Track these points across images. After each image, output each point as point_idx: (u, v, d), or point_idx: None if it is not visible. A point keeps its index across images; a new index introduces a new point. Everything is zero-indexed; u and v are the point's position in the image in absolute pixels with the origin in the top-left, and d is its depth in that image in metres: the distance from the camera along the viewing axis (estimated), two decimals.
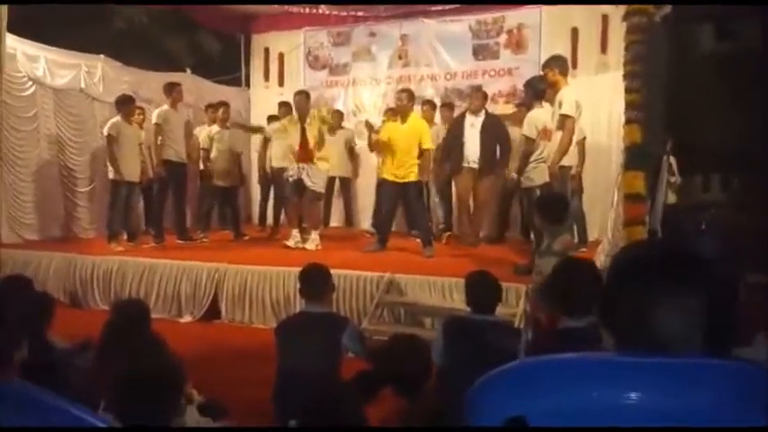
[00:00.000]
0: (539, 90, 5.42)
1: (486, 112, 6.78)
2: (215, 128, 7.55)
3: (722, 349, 0.94)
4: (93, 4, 7.93)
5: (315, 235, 6.66)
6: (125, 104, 6.69)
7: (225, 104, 7.70)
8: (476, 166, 6.67)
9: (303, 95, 6.64)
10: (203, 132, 7.62)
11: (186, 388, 2.66)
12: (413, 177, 6.24)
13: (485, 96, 7.02)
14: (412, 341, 2.42)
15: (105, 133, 6.62)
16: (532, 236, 5.34)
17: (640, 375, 0.87)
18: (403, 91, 6.52)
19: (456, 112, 7.56)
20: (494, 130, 6.68)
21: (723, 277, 0.99)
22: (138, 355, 2.62)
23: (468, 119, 6.75)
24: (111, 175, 6.68)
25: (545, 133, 5.23)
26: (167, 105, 6.91)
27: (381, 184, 6.71)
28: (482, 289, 3.15)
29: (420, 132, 6.30)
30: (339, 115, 8.30)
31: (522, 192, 5.75)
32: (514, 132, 6.56)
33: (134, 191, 6.94)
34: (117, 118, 6.66)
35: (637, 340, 0.92)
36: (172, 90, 6.95)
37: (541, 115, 5.32)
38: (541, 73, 5.43)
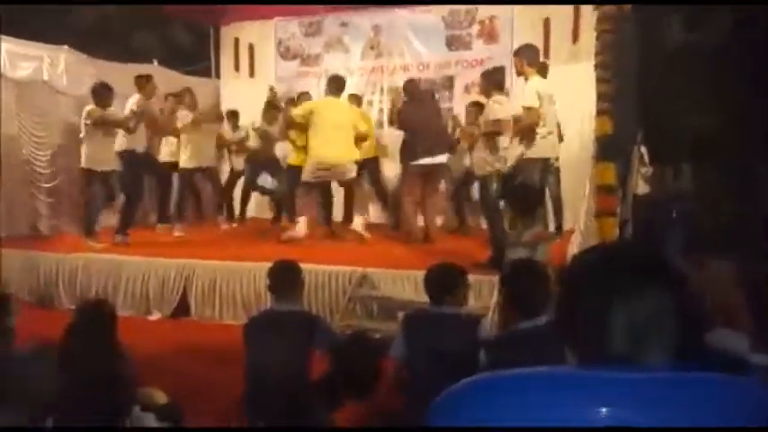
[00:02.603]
0: (497, 81, 5.44)
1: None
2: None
3: (691, 354, 0.90)
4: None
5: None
6: (100, 93, 6.49)
7: (189, 91, 7.53)
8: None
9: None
10: None
11: (148, 390, 2.58)
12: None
13: None
14: (360, 340, 2.38)
15: (84, 119, 6.41)
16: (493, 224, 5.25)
17: (610, 390, 0.83)
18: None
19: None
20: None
21: (684, 277, 0.95)
22: (99, 361, 2.53)
23: None
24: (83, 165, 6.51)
25: (504, 124, 5.23)
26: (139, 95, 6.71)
27: None
28: (436, 280, 3.10)
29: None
30: None
31: (480, 179, 5.68)
32: None
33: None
34: (92, 106, 6.44)
35: (598, 352, 0.88)
36: (146, 83, 6.79)
37: (503, 104, 5.33)
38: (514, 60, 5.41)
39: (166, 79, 8.36)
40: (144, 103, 6.66)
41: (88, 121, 6.36)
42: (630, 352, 0.87)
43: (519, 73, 5.19)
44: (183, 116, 7.29)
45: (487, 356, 2.51)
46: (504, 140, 5.21)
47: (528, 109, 4.91)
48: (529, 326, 2.41)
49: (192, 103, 7.41)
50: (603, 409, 0.81)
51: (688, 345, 0.91)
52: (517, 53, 5.24)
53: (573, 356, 0.95)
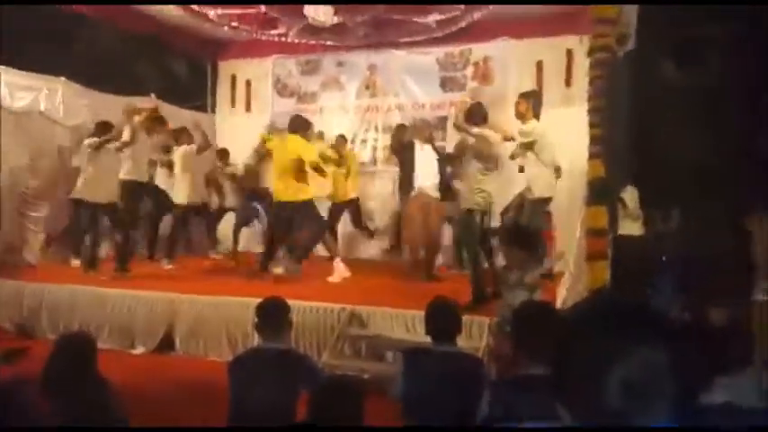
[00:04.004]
0: (479, 116, 5.52)
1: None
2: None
3: (687, 403, 0.88)
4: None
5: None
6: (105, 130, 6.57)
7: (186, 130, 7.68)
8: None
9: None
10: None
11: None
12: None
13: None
14: (340, 381, 2.32)
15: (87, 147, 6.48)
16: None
17: None
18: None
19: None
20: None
21: (676, 330, 0.94)
22: (80, 395, 2.47)
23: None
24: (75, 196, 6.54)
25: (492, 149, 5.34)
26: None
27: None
28: (441, 318, 3.05)
29: (297, 150, 6.26)
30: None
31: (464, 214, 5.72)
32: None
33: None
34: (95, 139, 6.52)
35: (592, 407, 0.86)
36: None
37: (491, 135, 5.42)
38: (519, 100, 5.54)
39: (164, 113, 8.41)
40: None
41: (89, 149, 6.43)
42: (624, 407, 0.86)
43: (519, 115, 5.29)
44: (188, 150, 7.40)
45: (492, 399, 2.39)
46: (487, 173, 5.27)
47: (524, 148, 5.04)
48: (538, 372, 2.26)
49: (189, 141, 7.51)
50: None
51: (683, 399, 0.89)
52: (524, 95, 5.36)
53: (566, 412, 0.92)
